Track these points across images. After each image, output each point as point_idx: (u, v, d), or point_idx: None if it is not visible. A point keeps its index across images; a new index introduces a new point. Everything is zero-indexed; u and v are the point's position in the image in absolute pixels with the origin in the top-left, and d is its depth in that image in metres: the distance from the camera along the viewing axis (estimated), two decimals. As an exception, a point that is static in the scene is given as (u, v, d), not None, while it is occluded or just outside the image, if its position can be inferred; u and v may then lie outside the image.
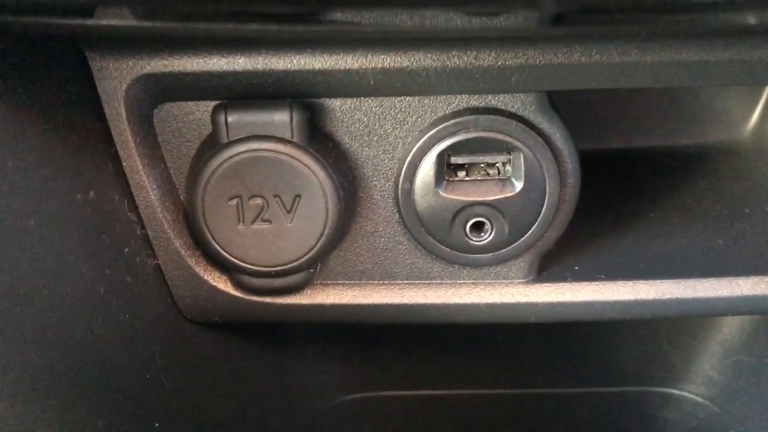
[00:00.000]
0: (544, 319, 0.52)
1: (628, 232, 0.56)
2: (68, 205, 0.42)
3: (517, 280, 0.51)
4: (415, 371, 0.77)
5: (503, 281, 0.51)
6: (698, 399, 0.76)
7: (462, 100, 0.46)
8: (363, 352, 0.76)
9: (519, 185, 0.47)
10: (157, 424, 0.49)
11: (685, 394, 0.75)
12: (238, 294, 0.50)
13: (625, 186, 0.63)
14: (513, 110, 0.46)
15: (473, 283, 0.51)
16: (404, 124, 0.47)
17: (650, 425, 0.75)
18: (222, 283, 0.50)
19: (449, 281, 0.51)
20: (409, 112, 0.47)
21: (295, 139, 0.45)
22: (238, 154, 0.45)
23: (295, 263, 0.48)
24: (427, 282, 0.51)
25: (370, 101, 0.47)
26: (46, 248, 0.40)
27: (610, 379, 0.73)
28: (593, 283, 0.51)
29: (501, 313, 0.51)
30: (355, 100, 0.47)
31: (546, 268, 0.52)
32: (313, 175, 0.45)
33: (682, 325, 0.74)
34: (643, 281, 0.51)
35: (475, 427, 0.79)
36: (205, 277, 0.50)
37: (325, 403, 0.76)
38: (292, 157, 0.45)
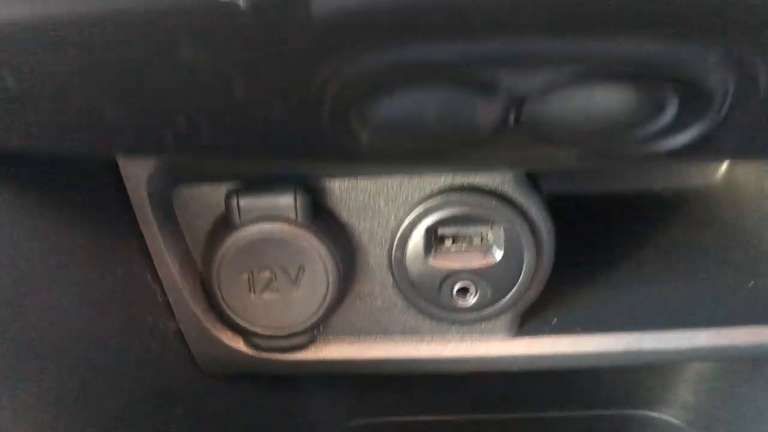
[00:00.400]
0: (525, 369, 0.58)
1: (601, 285, 0.62)
2: (102, 288, 0.48)
3: (500, 335, 0.57)
4: (412, 398, 0.83)
5: (487, 336, 0.57)
6: (676, 422, 0.82)
7: (447, 179, 0.52)
8: (366, 380, 0.82)
9: (499, 254, 0.53)
10: None
11: (664, 416, 0.81)
12: (250, 352, 0.56)
13: (599, 234, 0.68)
14: (493, 187, 0.52)
15: (460, 339, 0.57)
16: (396, 201, 0.53)
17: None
18: (235, 343, 0.56)
19: (439, 337, 0.57)
20: (400, 190, 0.52)
21: (299, 219, 0.51)
22: (249, 235, 0.51)
23: (300, 326, 0.54)
24: (419, 338, 0.57)
25: (365, 181, 0.52)
26: (84, 329, 0.46)
27: (591, 403, 0.78)
28: (569, 335, 0.57)
29: (485, 365, 0.57)
30: (352, 180, 0.52)
31: (526, 323, 0.58)
32: (315, 250, 0.51)
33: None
34: (612, 334, 0.57)
35: None
36: (221, 338, 0.55)
37: (331, 430, 0.82)
38: (296, 235, 0.51)
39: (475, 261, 0.53)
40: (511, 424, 0.79)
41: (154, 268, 0.53)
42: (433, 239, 0.53)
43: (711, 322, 0.57)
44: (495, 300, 0.54)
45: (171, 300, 0.54)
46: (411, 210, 0.53)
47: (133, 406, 0.50)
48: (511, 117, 0.37)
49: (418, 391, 0.80)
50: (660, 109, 0.37)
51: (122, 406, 0.49)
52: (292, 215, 0.51)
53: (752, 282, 0.62)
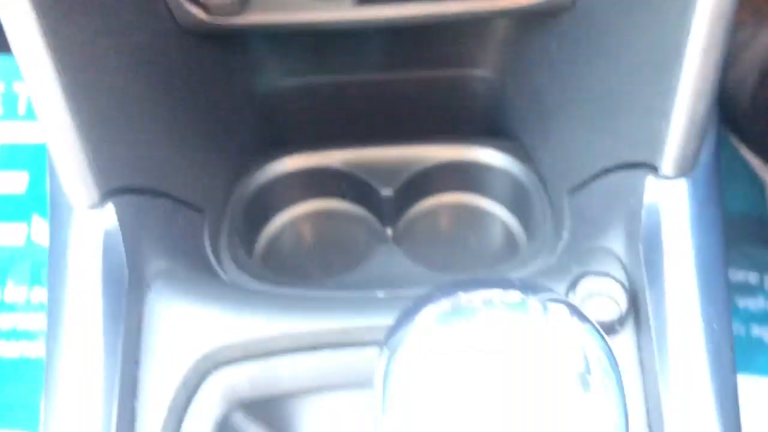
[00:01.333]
0: (368, 28, 1.00)
1: None
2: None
3: (347, 7, 0.99)
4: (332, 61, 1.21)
5: (340, 6, 0.99)
6: (491, 76, 1.23)
7: None
8: (284, 48, 1.20)
9: None
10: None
11: (481, 72, 1.23)
12: (208, 19, 0.98)
13: None
14: None
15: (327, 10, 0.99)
16: None
17: (457, 101, 1.21)
18: (200, 13, 0.97)
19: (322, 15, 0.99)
20: None
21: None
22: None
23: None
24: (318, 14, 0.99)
25: None
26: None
27: (426, 64, 1.14)
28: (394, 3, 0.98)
29: (344, 26, 1.00)
30: None
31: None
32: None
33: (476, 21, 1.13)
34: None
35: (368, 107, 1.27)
36: (191, 9, 0.96)
37: (268, 85, 1.24)
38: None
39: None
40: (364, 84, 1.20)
41: None
42: None
43: None
44: None
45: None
46: None
47: (143, 51, 0.92)
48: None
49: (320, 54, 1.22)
50: None
51: (138, 46, 0.90)
52: None
53: None
